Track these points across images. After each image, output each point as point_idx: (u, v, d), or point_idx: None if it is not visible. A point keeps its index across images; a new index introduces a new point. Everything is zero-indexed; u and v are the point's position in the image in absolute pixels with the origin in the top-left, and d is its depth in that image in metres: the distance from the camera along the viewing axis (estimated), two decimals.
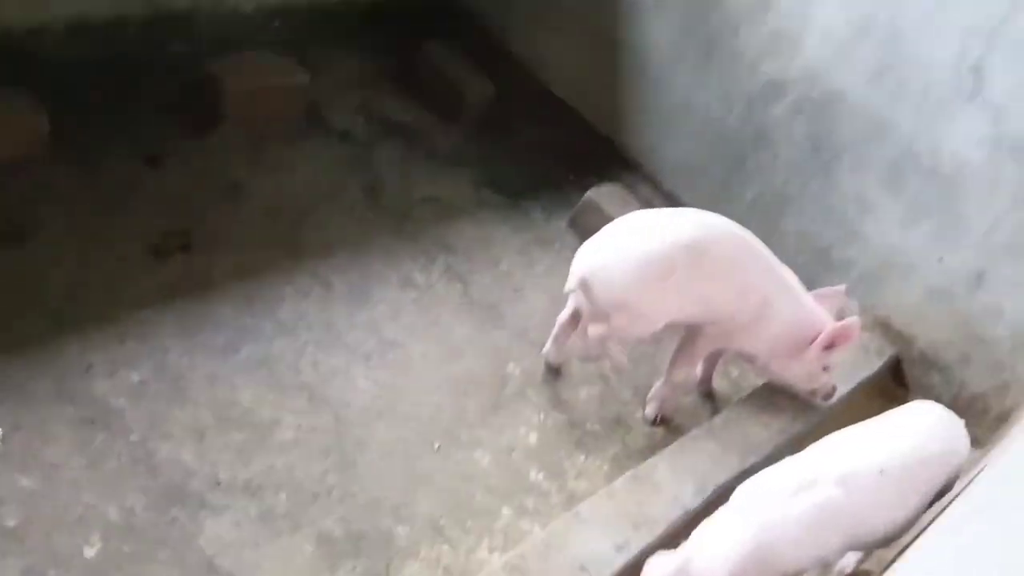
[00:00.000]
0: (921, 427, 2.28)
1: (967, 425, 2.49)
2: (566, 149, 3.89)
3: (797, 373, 2.74)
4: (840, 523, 2.10)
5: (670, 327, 2.70)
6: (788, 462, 2.24)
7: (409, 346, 2.79)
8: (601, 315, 2.66)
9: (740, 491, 2.18)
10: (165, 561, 2.03)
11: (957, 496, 2.28)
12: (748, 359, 2.86)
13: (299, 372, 2.57)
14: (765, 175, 3.50)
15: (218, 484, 2.23)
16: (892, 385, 3.32)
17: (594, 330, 2.68)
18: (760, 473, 2.22)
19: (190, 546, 2.07)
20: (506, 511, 2.44)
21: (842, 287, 2.88)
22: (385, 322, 2.82)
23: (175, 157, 3.04)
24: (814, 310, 2.71)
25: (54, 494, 2.06)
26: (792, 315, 2.68)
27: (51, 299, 2.47)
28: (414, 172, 3.49)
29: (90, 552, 1.99)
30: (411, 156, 3.56)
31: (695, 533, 2.17)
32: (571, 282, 2.62)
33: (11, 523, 1.99)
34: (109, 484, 2.13)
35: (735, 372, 3.23)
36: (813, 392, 2.79)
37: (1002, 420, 3.09)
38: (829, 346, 2.65)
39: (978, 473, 2.35)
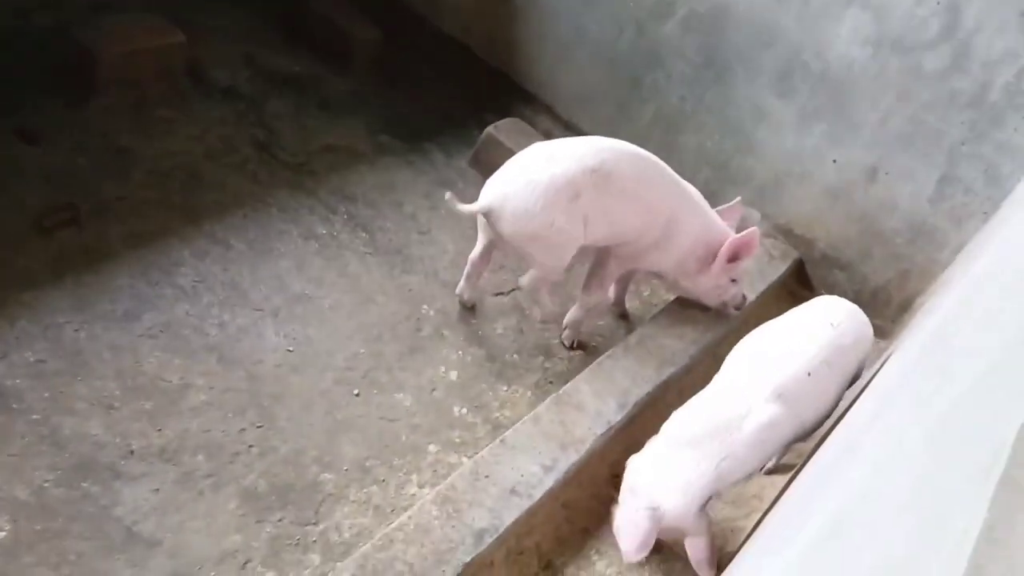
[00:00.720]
0: (833, 322, 2.34)
1: (872, 318, 2.58)
2: (462, 87, 3.84)
3: (706, 287, 2.78)
4: (784, 432, 2.18)
5: (580, 252, 2.71)
6: (717, 384, 2.29)
7: (318, 298, 2.74)
8: (513, 249, 2.65)
9: (677, 422, 2.22)
10: (80, 535, 1.96)
11: (867, 385, 2.36)
12: (658, 277, 2.90)
13: (205, 334, 2.49)
14: (661, 94, 3.52)
15: (131, 453, 2.16)
16: (797, 287, 3.41)
17: (525, 280, 2.70)
18: (693, 401, 2.26)
19: (107, 516, 2.01)
20: (432, 447, 2.44)
21: (738, 199, 2.93)
22: (290, 276, 2.76)
23: (54, 130, 2.89)
24: (719, 225, 2.76)
25: None
26: (698, 231, 2.72)
27: None
28: (307, 123, 3.40)
29: (0, 535, 1.91)
30: (303, 107, 3.46)
31: (635, 468, 2.21)
32: (474, 207, 2.59)
33: None
34: (14, 466, 2.04)
35: (646, 291, 3.27)
36: (724, 304, 2.84)
37: (904, 308, 3.20)
38: (733, 258, 2.70)
39: (884, 360, 2.44)
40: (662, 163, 2.74)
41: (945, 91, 2.91)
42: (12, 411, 2.15)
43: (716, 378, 2.33)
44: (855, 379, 2.41)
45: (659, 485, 2.12)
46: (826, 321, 2.34)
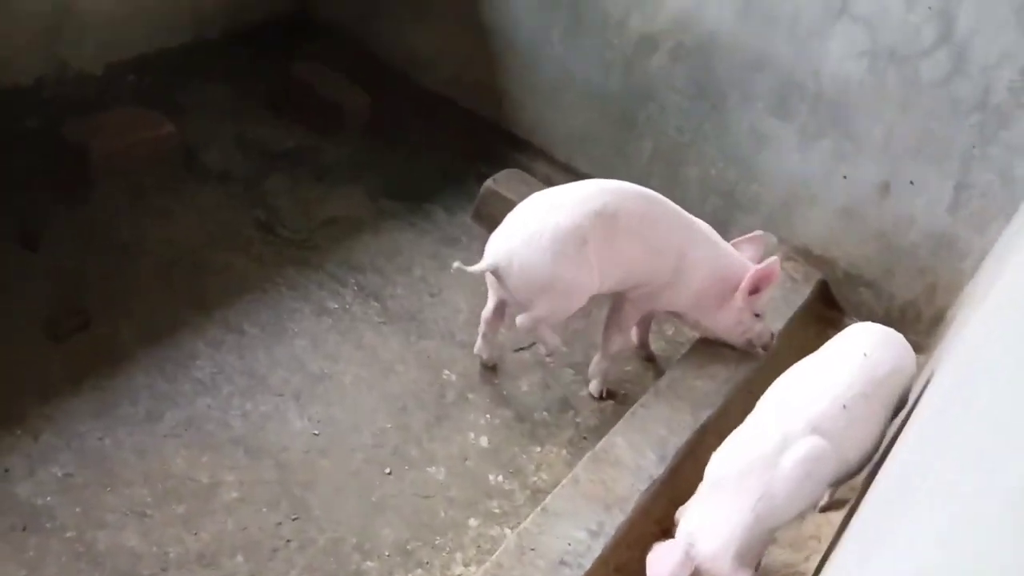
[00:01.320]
0: (866, 351, 2.27)
1: (905, 334, 2.52)
2: (455, 142, 3.81)
3: (727, 324, 2.72)
4: (825, 468, 2.07)
5: (595, 300, 2.66)
6: (751, 422, 2.22)
7: (337, 375, 2.68)
8: (525, 302, 2.60)
9: (715, 463, 2.15)
10: None
11: (913, 409, 2.29)
12: (678, 317, 2.84)
13: (229, 427, 2.43)
14: (657, 128, 3.49)
15: (170, 562, 2.09)
16: (825, 309, 3.35)
17: (522, 320, 2.63)
18: (728, 441, 2.19)
19: None
20: (473, 521, 2.36)
21: (759, 232, 2.88)
22: (307, 356, 2.71)
23: (54, 232, 2.85)
24: (734, 257, 2.71)
25: None
26: (712, 266, 2.67)
27: None
28: (306, 197, 3.36)
29: None
30: (300, 181, 3.43)
31: (683, 516, 2.15)
32: (480, 266, 2.55)
33: None
34: None
35: (670, 330, 3.22)
36: (749, 343, 2.77)
37: (936, 322, 3.14)
38: (754, 291, 2.64)
39: (927, 382, 2.37)
40: (667, 200, 2.70)
41: (947, 97, 2.88)
42: (46, 531, 2.08)
43: (750, 417, 2.27)
44: (900, 407, 2.34)
45: (697, 527, 2.05)
46: (859, 351, 2.27)
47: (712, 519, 2.04)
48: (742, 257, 2.72)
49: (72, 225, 2.90)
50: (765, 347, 2.77)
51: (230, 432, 2.41)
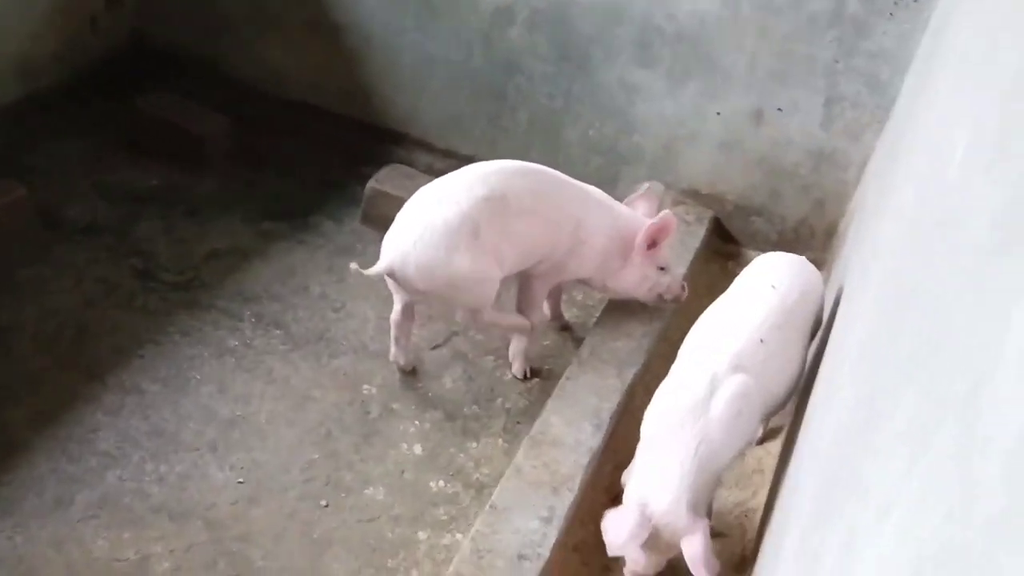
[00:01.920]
0: (773, 283, 2.28)
1: (802, 253, 2.55)
2: (329, 149, 3.68)
3: (633, 282, 2.70)
4: (754, 404, 2.09)
5: (501, 282, 2.61)
6: (675, 372, 2.21)
7: (252, 416, 2.55)
8: (434, 301, 2.54)
9: (649, 421, 2.14)
10: None
11: (828, 330, 2.32)
12: (585, 283, 2.82)
13: (147, 495, 2.29)
14: (527, 98, 3.44)
15: None
16: (722, 244, 3.38)
17: (461, 318, 2.64)
18: (657, 396, 2.18)
19: None
20: (422, 534, 2.29)
21: (647, 185, 2.87)
22: (217, 402, 2.57)
23: None
24: (629, 216, 2.69)
25: None
26: (609, 228, 2.64)
27: None
28: (182, 236, 3.19)
29: None
30: (172, 221, 3.25)
31: (629, 479, 2.14)
32: (376, 269, 2.47)
33: None
34: None
35: (579, 295, 3.19)
36: (660, 297, 2.76)
37: (830, 235, 3.20)
38: (652, 245, 2.63)
39: (836, 303, 2.40)
40: (551, 170, 2.66)
41: (803, 16, 2.91)
42: None
43: (673, 367, 2.26)
44: (816, 327, 2.37)
45: (645, 487, 2.03)
46: (767, 284, 2.29)
47: (658, 476, 2.03)
48: (637, 214, 2.71)
49: None
50: (676, 299, 2.77)
51: (149, 501, 2.27)
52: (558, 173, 2.65)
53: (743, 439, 2.11)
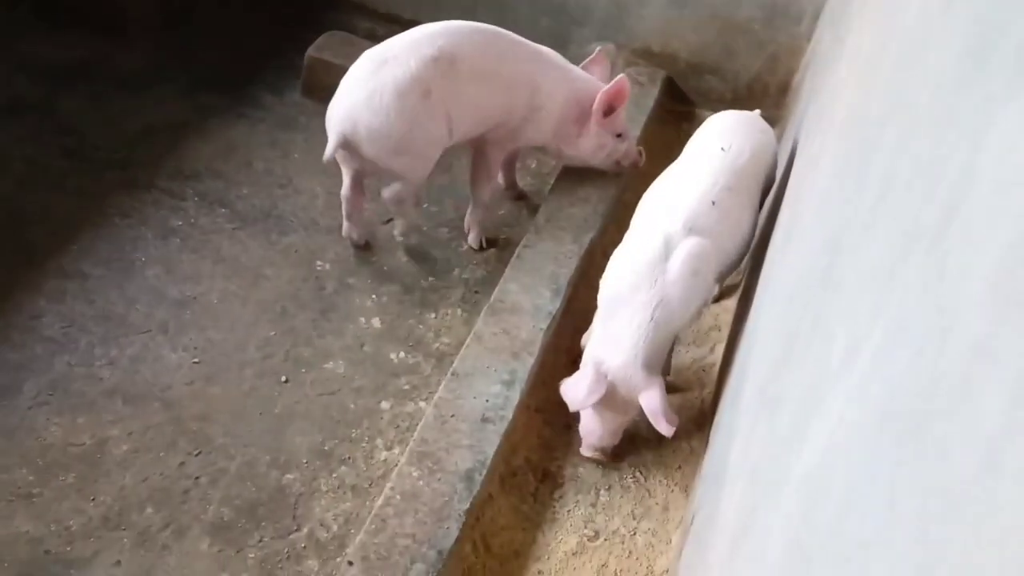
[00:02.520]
0: (723, 144, 2.24)
1: (754, 107, 2.50)
2: (262, 17, 3.49)
3: (590, 148, 2.64)
4: (708, 264, 2.08)
5: (454, 150, 2.53)
6: (630, 237, 2.18)
7: (203, 296, 2.48)
8: (383, 169, 2.45)
9: (606, 285, 2.14)
10: None
11: (784, 182, 2.30)
12: (541, 150, 2.75)
13: (99, 379, 2.23)
14: None
15: (74, 536, 1.93)
16: (676, 104, 3.32)
17: (388, 193, 2.50)
18: (613, 260, 2.17)
19: None
20: (385, 404, 2.28)
21: (599, 47, 2.77)
22: (164, 284, 2.49)
23: None
24: (586, 80, 2.60)
25: None
26: (566, 92, 2.56)
27: None
28: (113, 111, 3.02)
29: None
30: (101, 95, 3.07)
31: (588, 343, 2.16)
32: (330, 149, 2.38)
33: None
34: None
35: (533, 163, 3.12)
36: (617, 164, 2.70)
37: (784, 91, 3.15)
38: (609, 111, 2.55)
39: (791, 155, 2.37)
40: (504, 31, 2.54)
41: None
42: None
43: (628, 233, 2.23)
44: (769, 186, 2.34)
45: (602, 348, 2.06)
46: (716, 145, 2.24)
47: (615, 337, 2.04)
48: (593, 78, 2.62)
49: None
50: (635, 164, 2.72)
51: (101, 385, 2.22)
52: (511, 34, 2.53)
53: (699, 299, 2.10)
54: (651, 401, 2.00)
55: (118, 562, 1.91)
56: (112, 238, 2.60)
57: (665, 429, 1.98)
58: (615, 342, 2.04)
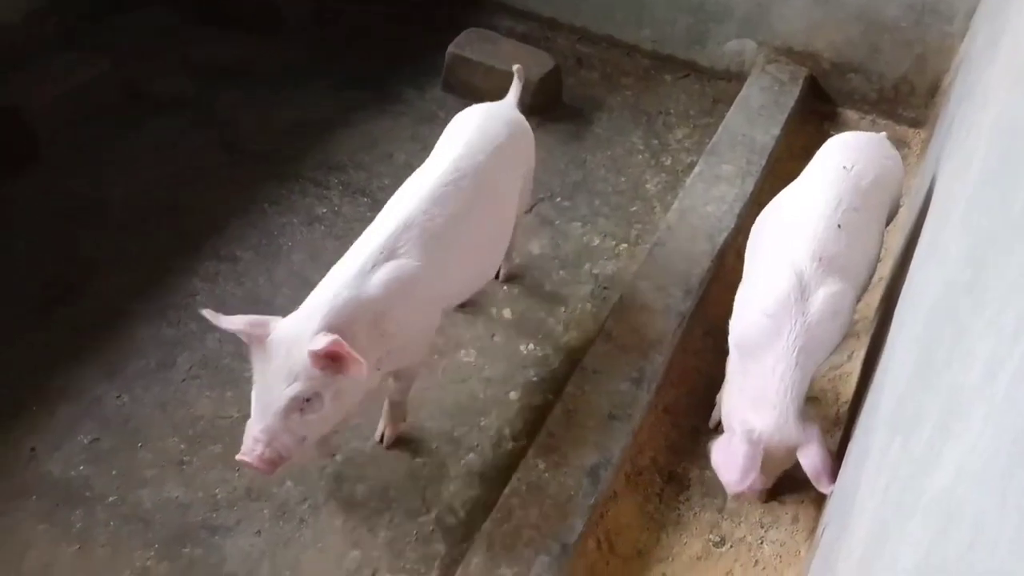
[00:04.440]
0: (846, 164, 2.11)
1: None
2: (408, 16, 3.59)
3: None
4: (846, 299, 1.93)
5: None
6: (756, 274, 2.03)
7: None
8: None
9: (738, 331, 1.99)
10: None
11: (930, 191, 2.20)
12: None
13: (246, 358, 2.35)
14: None
15: (219, 504, 2.06)
16: (818, 104, 3.22)
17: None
18: (741, 303, 2.02)
19: (221, 575, 1.92)
20: (514, 395, 2.32)
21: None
22: (308, 269, 2.60)
23: (9, 206, 2.71)
24: None
25: None
26: None
27: None
28: (266, 106, 3.18)
29: None
30: (256, 92, 3.24)
31: (725, 399, 2.02)
32: None
33: None
34: (110, 556, 1.95)
35: (668, 160, 3.08)
36: None
37: (932, 92, 3.01)
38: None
39: (936, 166, 2.26)
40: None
41: None
42: (87, 500, 2.04)
43: (748, 267, 2.10)
44: (894, 211, 2.21)
45: (745, 406, 1.90)
46: (839, 166, 2.10)
47: (759, 392, 1.88)
48: None
49: (24, 195, 2.75)
50: None
51: (248, 363, 2.34)
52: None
53: (840, 336, 1.96)
54: (812, 460, 1.85)
55: (259, 532, 2.01)
56: (262, 225, 2.74)
57: (826, 488, 1.85)
58: (760, 399, 1.87)
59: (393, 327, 1.84)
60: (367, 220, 2.74)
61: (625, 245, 2.75)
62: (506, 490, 1.93)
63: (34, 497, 2.04)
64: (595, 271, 2.67)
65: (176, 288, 2.53)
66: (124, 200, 2.78)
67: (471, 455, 2.18)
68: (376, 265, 1.85)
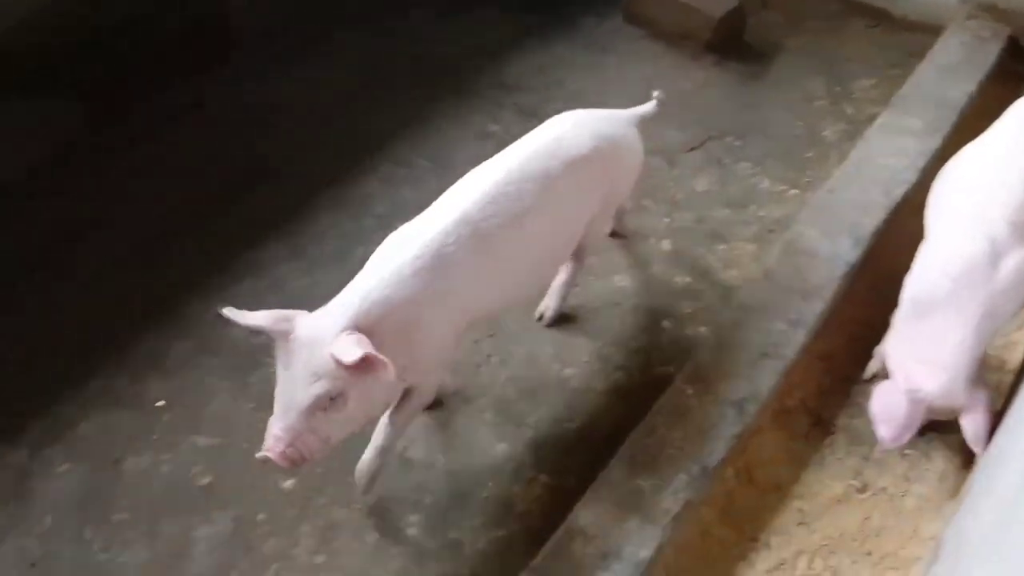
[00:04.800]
0: None
1: None
2: None
3: None
4: None
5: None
6: (943, 232, 1.95)
7: None
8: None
9: (916, 286, 1.92)
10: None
11: None
12: None
13: None
14: None
15: None
16: (1018, 64, 3.04)
17: None
18: (925, 259, 1.95)
19: None
20: (666, 324, 2.35)
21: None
22: None
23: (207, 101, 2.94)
24: None
25: (235, 444, 2.08)
26: None
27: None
28: (447, 27, 3.29)
29: (288, 483, 2.01)
30: (447, 11, 3.35)
31: (889, 350, 1.96)
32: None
33: (205, 481, 2.03)
34: None
35: (849, 109, 3.00)
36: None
37: None
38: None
39: None
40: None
41: None
42: (264, 366, 2.17)
43: (931, 225, 2.02)
44: None
45: (913, 364, 1.85)
46: None
47: (930, 353, 1.83)
48: None
49: (219, 91, 2.97)
50: None
51: None
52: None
53: (1021, 304, 1.88)
54: (975, 425, 1.81)
55: None
56: (437, 136, 2.86)
57: (980, 451, 1.83)
58: (932, 360, 1.82)
59: (421, 335, 1.74)
60: None
61: (795, 191, 2.71)
62: (653, 408, 1.99)
63: (220, 356, 2.25)
64: (761, 213, 2.65)
65: (357, 184, 2.69)
66: (311, 102, 2.96)
67: (619, 373, 2.24)
68: (417, 266, 1.73)
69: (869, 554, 1.86)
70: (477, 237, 1.79)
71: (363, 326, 1.62)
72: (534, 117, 2.91)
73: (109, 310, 2.36)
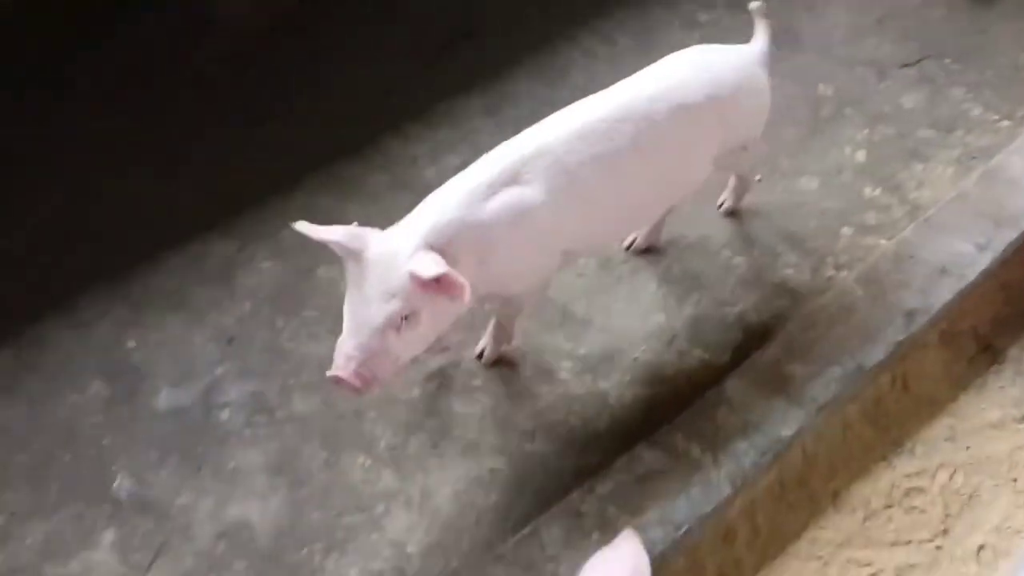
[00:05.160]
0: None
1: None
2: None
3: None
4: None
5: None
6: None
7: None
8: None
9: None
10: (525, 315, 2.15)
11: None
12: None
13: None
14: None
15: None
16: None
17: None
18: None
19: (546, 299, 2.18)
20: (846, 230, 2.32)
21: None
22: None
23: None
24: None
25: None
26: None
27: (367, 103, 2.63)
28: None
29: None
30: None
31: None
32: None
33: None
34: None
35: None
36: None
37: None
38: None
39: None
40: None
41: None
42: None
43: None
44: None
45: None
46: None
47: None
48: None
49: None
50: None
51: None
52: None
53: None
54: None
55: (581, 275, 2.24)
56: (645, 17, 2.89)
57: None
58: None
59: (496, 260, 1.69)
60: (744, 33, 2.79)
61: (1008, 122, 2.57)
62: (820, 301, 2.00)
63: (410, 192, 2.42)
64: (967, 139, 2.54)
65: (560, 54, 2.77)
66: None
67: (789, 271, 2.25)
68: (493, 189, 1.68)
69: (1015, 480, 1.84)
70: (558, 171, 1.72)
71: (436, 246, 1.60)
72: (745, 12, 2.88)
73: (323, 145, 2.57)
